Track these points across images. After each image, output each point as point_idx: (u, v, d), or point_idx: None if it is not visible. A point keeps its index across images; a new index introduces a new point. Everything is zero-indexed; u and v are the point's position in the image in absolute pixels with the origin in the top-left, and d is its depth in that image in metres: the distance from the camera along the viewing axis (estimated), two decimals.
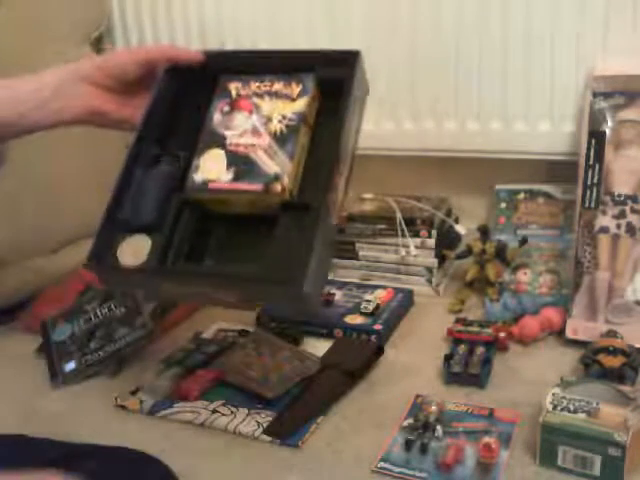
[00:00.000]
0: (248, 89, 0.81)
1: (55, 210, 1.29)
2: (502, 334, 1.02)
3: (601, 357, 0.92)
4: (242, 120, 0.79)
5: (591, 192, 1.05)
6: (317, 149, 0.78)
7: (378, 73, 1.28)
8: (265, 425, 0.89)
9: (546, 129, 1.21)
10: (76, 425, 0.93)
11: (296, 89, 0.79)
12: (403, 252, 1.23)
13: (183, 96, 0.84)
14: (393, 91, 1.28)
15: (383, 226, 1.24)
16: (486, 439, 0.80)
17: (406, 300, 1.18)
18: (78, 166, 1.32)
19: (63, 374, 1.03)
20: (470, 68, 1.22)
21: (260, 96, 0.80)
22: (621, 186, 1.04)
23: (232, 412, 0.92)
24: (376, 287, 1.21)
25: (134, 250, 0.77)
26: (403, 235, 1.22)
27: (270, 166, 0.75)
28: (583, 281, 1.04)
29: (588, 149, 1.06)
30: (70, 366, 1.04)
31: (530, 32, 1.16)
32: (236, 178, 0.75)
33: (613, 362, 0.91)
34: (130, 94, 0.84)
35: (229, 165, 0.76)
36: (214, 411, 0.93)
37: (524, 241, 1.17)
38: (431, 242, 1.22)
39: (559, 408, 0.80)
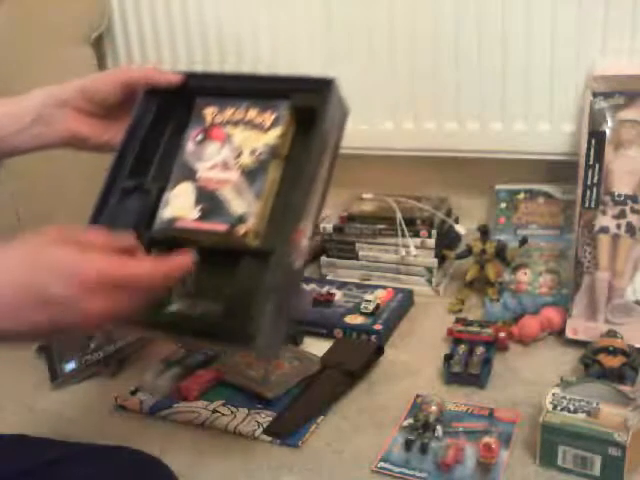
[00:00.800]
0: (223, 116, 0.80)
1: (56, 210, 1.28)
2: (502, 334, 1.02)
3: (601, 357, 0.92)
4: (214, 151, 0.78)
5: (591, 192, 1.05)
6: (288, 183, 0.75)
7: (378, 73, 1.29)
8: (265, 425, 0.89)
9: (546, 129, 1.21)
10: (76, 425, 0.93)
11: (269, 118, 0.77)
12: (403, 252, 1.23)
13: (161, 119, 0.83)
14: (393, 91, 1.28)
15: (383, 226, 1.24)
16: (486, 439, 0.81)
17: (406, 300, 1.18)
18: (79, 169, 1.32)
19: (63, 374, 1.03)
20: (470, 68, 1.22)
21: (234, 124, 0.78)
22: (621, 186, 1.04)
23: (232, 412, 0.92)
24: (376, 287, 1.20)
25: None
26: (403, 235, 1.22)
27: (237, 205, 0.73)
28: (583, 281, 1.04)
29: (588, 149, 1.06)
30: (70, 366, 1.04)
31: (530, 32, 1.16)
32: (203, 216, 0.74)
33: (613, 362, 0.91)
34: (111, 118, 0.83)
35: (197, 202, 0.75)
36: (214, 411, 0.93)
37: (524, 241, 1.17)
38: (431, 242, 1.22)
39: (559, 408, 0.80)
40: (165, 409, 0.94)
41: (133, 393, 0.98)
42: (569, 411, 0.79)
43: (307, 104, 0.77)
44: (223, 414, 0.92)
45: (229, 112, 0.80)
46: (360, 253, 1.27)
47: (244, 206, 0.73)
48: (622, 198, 1.04)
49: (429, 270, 1.23)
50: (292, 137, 0.78)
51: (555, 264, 1.17)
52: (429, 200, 1.28)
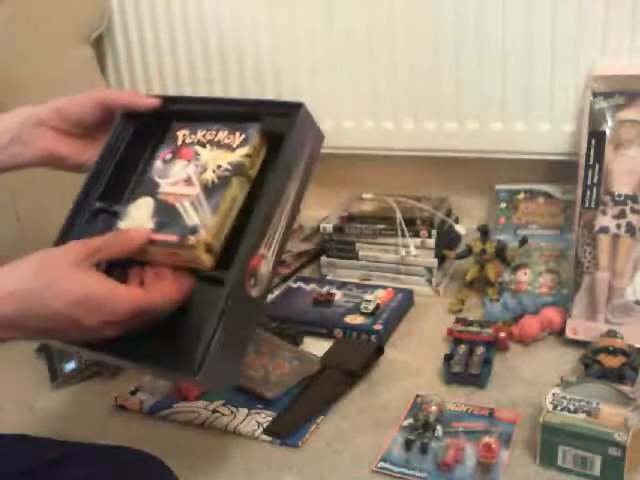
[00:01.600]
0: (194, 137, 0.80)
1: (56, 209, 1.28)
2: (502, 334, 1.02)
3: (601, 357, 0.92)
4: (179, 169, 0.77)
5: (591, 192, 1.05)
6: (253, 206, 0.74)
7: (378, 73, 1.29)
8: (265, 425, 0.89)
9: (546, 129, 1.21)
10: (76, 425, 0.93)
11: (238, 139, 0.77)
12: (403, 252, 1.23)
13: (139, 141, 0.83)
14: (393, 91, 1.28)
15: (383, 226, 1.24)
16: (486, 439, 0.81)
17: (406, 300, 1.18)
18: None
19: (63, 374, 1.03)
20: (470, 68, 1.22)
21: (203, 145, 0.78)
22: (621, 186, 1.04)
23: (232, 412, 0.92)
24: (376, 287, 1.20)
25: None
26: (403, 235, 1.22)
27: (191, 218, 0.73)
28: (583, 281, 1.04)
29: (588, 149, 1.06)
30: (70, 366, 1.04)
31: (530, 32, 1.16)
32: (157, 229, 0.73)
33: (613, 362, 0.91)
34: (89, 138, 0.83)
35: (154, 214, 0.74)
36: (214, 411, 0.93)
37: (524, 241, 1.17)
38: (431, 242, 1.22)
39: (559, 408, 0.80)
40: (165, 409, 0.94)
41: (133, 393, 0.98)
42: (569, 411, 0.79)
43: (275, 128, 0.77)
44: (223, 414, 0.92)
45: (200, 134, 0.80)
46: (360, 253, 1.27)
47: (198, 219, 0.72)
48: (622, 198, 1.04)
49: (429, 270, 1.23)
50: (264, 160, 0.78)
51: (555, 264, 1.17)
52: (429, 200, 1.28)
